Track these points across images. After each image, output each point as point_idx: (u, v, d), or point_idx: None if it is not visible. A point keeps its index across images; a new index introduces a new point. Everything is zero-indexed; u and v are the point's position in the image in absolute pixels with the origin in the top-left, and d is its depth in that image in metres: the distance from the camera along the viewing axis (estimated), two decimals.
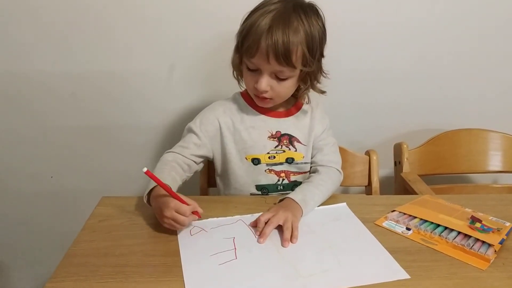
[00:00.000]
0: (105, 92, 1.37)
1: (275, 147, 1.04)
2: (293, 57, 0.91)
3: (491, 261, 0.76)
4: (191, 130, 1.04)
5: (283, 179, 1.07)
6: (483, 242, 0.80)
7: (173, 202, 0.81)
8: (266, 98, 0.98)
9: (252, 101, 1.05)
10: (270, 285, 0.70)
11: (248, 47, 0.91)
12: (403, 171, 1.28)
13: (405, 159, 1.28)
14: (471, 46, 1.35)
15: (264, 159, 1.04)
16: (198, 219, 0.86)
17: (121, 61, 1.33)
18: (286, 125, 1.05)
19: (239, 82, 1.06)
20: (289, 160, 1.05)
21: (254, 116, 1.05)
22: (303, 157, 1.06)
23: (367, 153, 1.24)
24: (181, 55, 1.32)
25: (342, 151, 1.24)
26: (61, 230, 1.55)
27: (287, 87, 0.97)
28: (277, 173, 1.06)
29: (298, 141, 1.06)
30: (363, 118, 1.43)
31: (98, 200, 0.99)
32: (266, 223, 0.84)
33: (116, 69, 1.34)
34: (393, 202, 0.98)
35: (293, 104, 1.09)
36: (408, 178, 1.23)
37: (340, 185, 1.28)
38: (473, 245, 0.80)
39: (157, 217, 0.85)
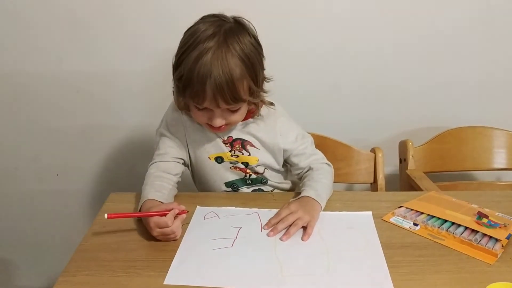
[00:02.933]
0: (111, 92, 1.38)
1: (229, 151, 1.02)
2: (241, 93, 0.88)
3: (499, 256, 0.77)
4: (162, 135, 1.03)
5: (250, 175, 1.06)
6: (490, 237, 0.81)
7: (152, 222, 0.81)
8: (220, 127, 0.95)
9: None
10: (250, 277, 0.72)
11: (194, 94, 0.87)
12: (408, 168, 1.28)
13: (410, 157, 1.29)
14: (475, 44, 1.35)
15: (227, 157, 1.02)
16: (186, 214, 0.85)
17: (127, 61, 1.34)
18: (238, 130, 1.02)
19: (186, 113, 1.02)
20: (245, 164, 1.04)
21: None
22: (258, 160, 1.03)
23: (373, 150, 1.24)
24: None
25: (347, 148, 1.25)
26: (66, 228, 1.56)
27: (240, 114, 0.95)
28: (243, 170, 1.05)
29: (252, 145, 1.03)
30: (368, 115, 1.43)
31: (104, 198, 0.99)
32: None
33: (122, 69, 1.35)
34: (399, 198, 0.98)
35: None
36: (413, 175, 1.23)
37: (345, 182, 1.29)
38: (480, 240, 0.80)
39: None
